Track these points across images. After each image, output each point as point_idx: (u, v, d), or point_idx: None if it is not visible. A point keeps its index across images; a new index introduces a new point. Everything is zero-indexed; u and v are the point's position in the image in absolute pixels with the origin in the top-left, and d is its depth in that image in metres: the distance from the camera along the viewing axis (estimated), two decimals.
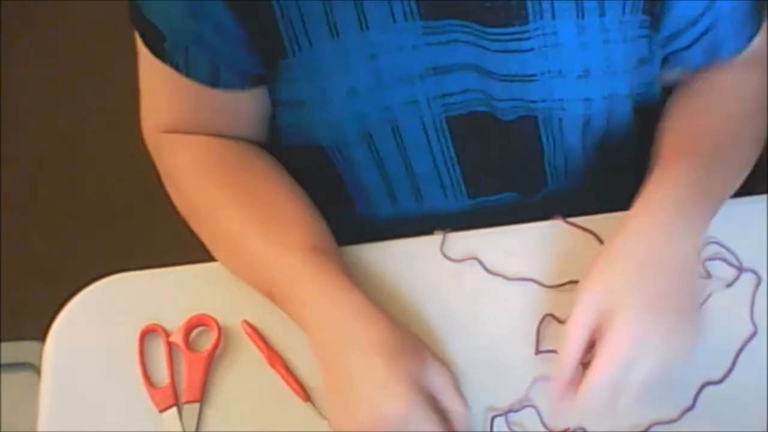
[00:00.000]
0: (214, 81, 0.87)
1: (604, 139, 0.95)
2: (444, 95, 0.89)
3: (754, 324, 0.85)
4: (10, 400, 1.54)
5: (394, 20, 0.83)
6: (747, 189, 0.89)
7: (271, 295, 0.85)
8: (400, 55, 0.85)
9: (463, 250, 0.91)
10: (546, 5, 0.82)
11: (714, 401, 0.82)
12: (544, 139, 0.94)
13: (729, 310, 0.86)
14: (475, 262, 0.90)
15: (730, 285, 0.87)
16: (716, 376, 0.83)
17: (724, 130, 0.88)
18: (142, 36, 0.86)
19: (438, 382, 0.79)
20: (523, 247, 0.91)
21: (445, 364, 0.82)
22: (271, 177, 0.91)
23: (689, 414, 0.82)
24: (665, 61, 0.93)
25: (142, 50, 0.87)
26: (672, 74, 0.95)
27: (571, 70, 0.87)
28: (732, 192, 0.87)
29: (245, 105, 0.91)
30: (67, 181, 1.95)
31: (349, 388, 0.77)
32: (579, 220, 0.91)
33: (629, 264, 0.78)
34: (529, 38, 0.84)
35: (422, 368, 0.78)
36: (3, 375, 1.57)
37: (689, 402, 0.82)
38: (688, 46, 0.90)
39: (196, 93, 0.88)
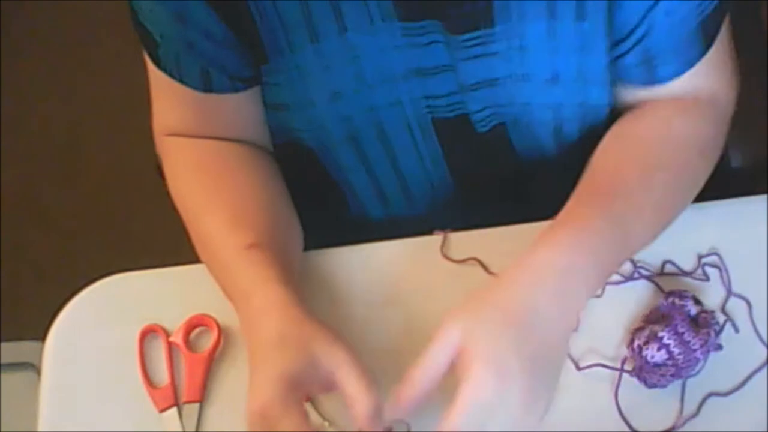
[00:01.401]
0: (206, 86, 0.87)
1: (581, 144, 0.94)
2: (428, 96, 0.89)
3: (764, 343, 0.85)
4: (10, 400, 1.54)
5: (372, 22, 0.82)
6: (747, 189, 0.89)
7: (227, 289, 0.84)
8: (382, 56, 0.85)
9: (464, 251, 0.91)
10: (514, 6, 0.81)
11: (718, 411, 0.82)
12: (516, 147, 0.94)
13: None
14: (475, 262, 0.90)
15: (722, 308, 0.87)
16: (722, 388, 0.83)
17: (649, 181, 0.83)
18: (142, 41, 0.86)
19: (328, 367, 0.74)
20: (524, 247, 0.91)
21: (346, 355, 0.75)
22: (248, 178, 0.90)
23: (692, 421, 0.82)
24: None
25: (146, 58, 0.88)
26: (621, 95, 0.91)
27: (537, 75, 0.86)
28: (649, 240, 0.83)
29: (241, 107, 0.91)
30: (67, 181, 1.95)
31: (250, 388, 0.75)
32: None
33: (508, 314, 0.72)
34: (494, 41, 0.83)
35: (305, 359, 0.74)
36: (3, 375, 1.57)
37: (693, 409, 0.83)
38: (625, 53, 0.86)
39: (192, 98, 0.88)
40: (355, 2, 0.81)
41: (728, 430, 0.81)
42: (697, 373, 0.83)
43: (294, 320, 0.76)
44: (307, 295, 0.89)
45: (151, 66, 0.88)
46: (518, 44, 0.84)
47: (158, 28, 0.84)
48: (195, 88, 0.87)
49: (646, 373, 0.82)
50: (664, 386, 0.82)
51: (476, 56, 0.84)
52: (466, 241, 0.91)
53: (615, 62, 0.87)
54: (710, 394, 0.82)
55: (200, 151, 0.91)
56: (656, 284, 0.87)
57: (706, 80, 0.89)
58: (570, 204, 0.81)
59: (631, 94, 0.90)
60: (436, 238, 0.91)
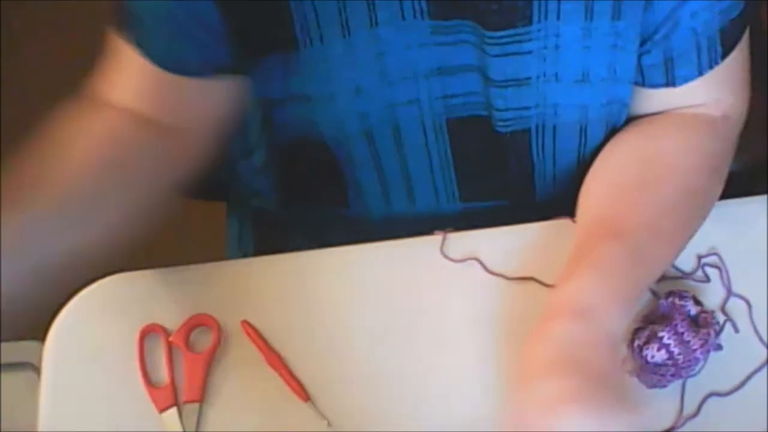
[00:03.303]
0: (175, 65, 0.85)
1: (600, 149, 0.94)
2: (446, 96, 0.89)
3: (765, 344, 0.85)
4: (10, 400, 1.54)
5: (404, 18, 0.82)
6: (747, 189, 0.89)
7: None
8: (407, 53, 0.85)
9: (464, 250, 0.91)
10: (552, 6, 0.81)
11: (718, 411, 0.82)
12: (535, 154, 0.94)
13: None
14: (475, 262, 0.90)
15: (722, 308, 0.87)
16: (722, 388, 0.83)
17: (666, 205, 0.83)
18: (119, 15, 0.85)
19: None
20: (524, 247, 0.91)
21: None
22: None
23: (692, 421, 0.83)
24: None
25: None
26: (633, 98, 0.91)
27: (567, 75, 0.86)
28: (668, 264, 0.84)
29: (197, 94, 0.88)
30: None
31: None
32: None
33: (555, 374, 0.72)
34: (530, 40, 0.83)
35: None
36: (3, 375, 1.57)
37: (693, 409, 0.83)
38: (647, 53, 0.86)
39: (150, 73, 0.86)
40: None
41: (728, 430, 0.81)
42: (697, 373, 0.83)
43: None
44: (308, 295, 0.89)
45: (118, 42, 0.86)
46: (554, 43, 0.83)
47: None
48: (160, 64, 0.85)
49: (646, 373, 0.82)
50: (664, 386, 0.82)
51: (509, 54, 0.84)
52: (465, 241, 0.91)
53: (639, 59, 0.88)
54: (710, 394, 0.82)
55: (111, 127, 0.88)
56: (652, 291, 0.87)
57: (720, 91, 0.89)
58: (584, 238, 0.81)
59: (644, 97, 0.90)
60: (435, 238, 0.91)
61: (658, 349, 0.80)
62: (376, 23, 0.82)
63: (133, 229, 0.83)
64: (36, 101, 2.04)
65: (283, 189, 1.05)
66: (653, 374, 0.81)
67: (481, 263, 0.90)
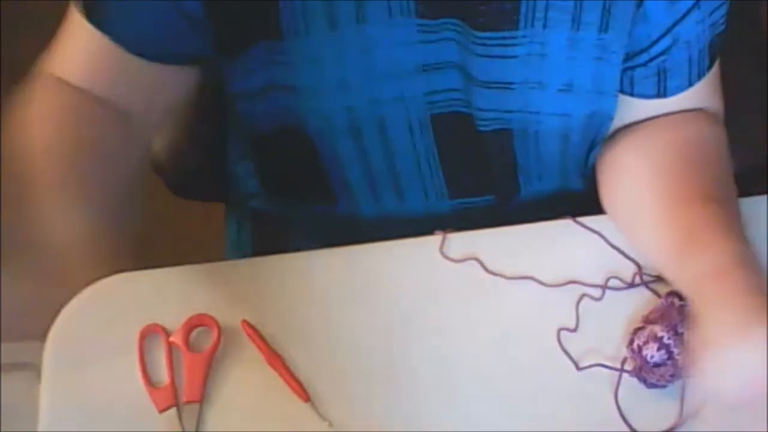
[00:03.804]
0: (141, 48, 0.85)
1: (585, 153, 0.95)
2: (429, 92, 0.89)
3: None
4: (10, 400, 1.54)
5: (391, 15, 0.83)
6: (747, 189, 0.89)
7: None
8: (394, 51, 0.85)
9: (463, 250, 0.91)
10: (539, 14, 0.82)
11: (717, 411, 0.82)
12: (518, 152, 0.94)
13: None
14: (474, 262, 0.90)
15: None
16: None
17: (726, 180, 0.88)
18: None
19: None
20: (524, 247, 0.91)
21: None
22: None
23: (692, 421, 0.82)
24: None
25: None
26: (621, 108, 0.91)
27: (551, 83, 0.86)
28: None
29: (161, 81, 0.89)
30: None
31: None
32: (586, 220, 0.92)
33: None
34: (515, 45, 0.84)
35: None
36: (3, 375, 1.57)
37: (693, 410, 0.82)
38: (641, 65, 0.87)
39: (114, 55, 0.86)
40: None
41: (728, 430, 0.81)
42: None
43: None
44: (308, 295, 0.89)
45: (75, 15, 0.87)
46: (539, 51, 0.84)
47: None
48: (125, 45, 0.84)
49: (645, 373, 0.82)
50: (663, 386, 0.82)
51: (495, 56, 0.85)
52: (465, 241, 0.91)
53: (625, 73, 0.88)
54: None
55: (64, 106, 0.87)
56: (654, 291, 0.88)
57: (707, 98, 0.92)
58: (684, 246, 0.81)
59: (632, 106, 0.91)
60: (435, 238, 0.91)
61: (658, 349, 0.80)
62: (364, 19, 0.83)
63: (119, 220, 0.82)
64: None
65: (268, 182, 1.05)
66: (653, 374, 0.81)
67: (480, 263, 0.90)
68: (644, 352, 0.81)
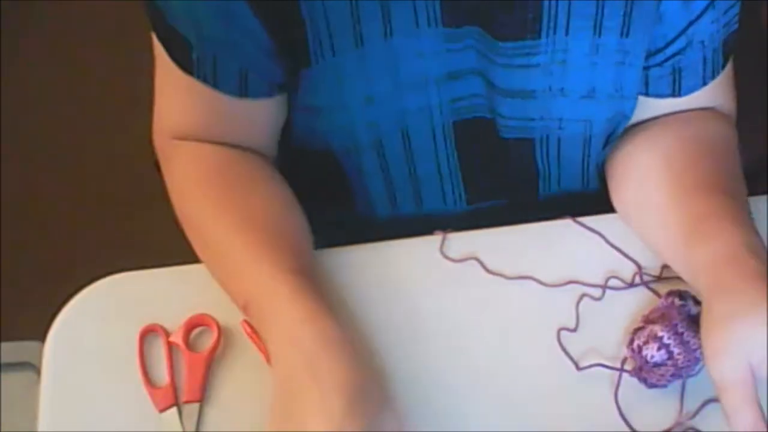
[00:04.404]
0: (242, 90, 0.85)
1: (603, 153, 0.95)
2: (454, 99, 0.89)
3: None
4: (10, 400, 1.54)
5: (418, 26, 0.82)
6: (747, 189, 0.89)
7: (244, 308, 0.83)
8: (420, 61, 0.85)
9: (463, 250, 0.91)
10: (561, 21, 0.81)
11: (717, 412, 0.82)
12: (539, 159, 0.94)
13: None
14: (474, 262, 0.90)
15: None
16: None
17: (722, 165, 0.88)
18: (166, 45, 0.84)
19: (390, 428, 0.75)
20: (523, 247, 0.91)
21: (396, 411, 0.77)
22: (267, 192, 0.89)
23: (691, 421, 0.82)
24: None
25: (161, 55, 0.86)
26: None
27: (574, 90, 0.86)
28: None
29: (263, 114, 0.90)
30: (67, 181, 1.95)
31: (300, 420, 0.73)
32: (586, 220, 0.92)
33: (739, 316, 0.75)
34: (537, 54, 0.83)
35: (379, 414, 0.74)
36: (3, 375, 1.57)
37: (692, 411, 0.83)
38: (656, 65, 0.87)
39: (217, 102, 0.87)
40: (405, 4, 0.80)
41: (728, 430, 0.81)
42: (697, 373, 0.83)
43: (360, 369, 0.75)
44: None
45: (166, 67, 0.86)
46: (561, 58, 0.84)
47: (195, 30, 0.82)
48: (230, 92, 0.85)
49: (646, 373, 0.82)
50: (664, 386, 0.82)
51: (517, 66, 0.84)
52: (465, 241, 0.91)
53: (646, 72, 0.89)
54: (709, 400, 0.82)
55: (210, 158, 0.90)
56: (654, 291, 0.88)
57: (720, 96, 0.92)
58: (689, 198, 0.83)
59: (646, 105, 0.91)
60: (435, 238, 0.91)
61: (658, 349, 0.80)
62: (391, 32, 0.82)
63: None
64: (36, 101, 2.04)
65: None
66: (653, 374, 0.81)
67: (480, 263, 0.90)
68: (644, 352, 0.81)
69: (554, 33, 0.82)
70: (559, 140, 0.91)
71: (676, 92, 0.89)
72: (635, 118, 0.92)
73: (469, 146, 0.93)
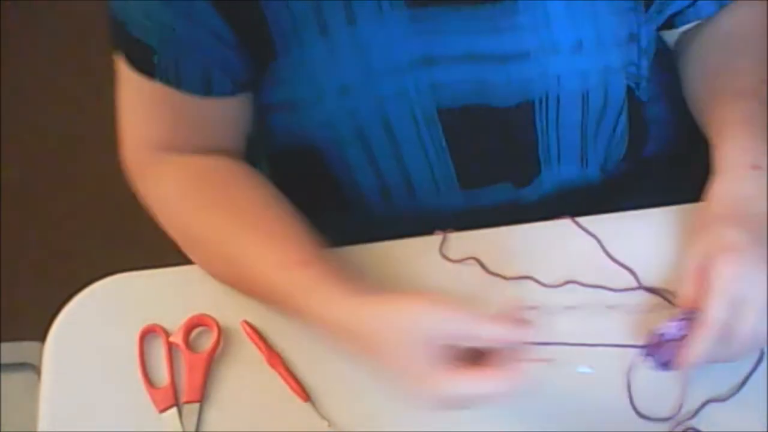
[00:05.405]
0: (206, 89, 0.87)
1: (601, 119, 0.96)
2: (434, 86, 0.89)
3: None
4: (10, 400, 1.54)
5: (381, 10, 0.83)
6: None
7: (278, 307, 0.85)
8: (389, 46, 0.85)
9: (463, 250, 0.91)
10: None
11: (717, 412, 0.83)
12: (539, 126, 0.94)
13: None
14: (474, 262, 0.90)
15: None
16: (720, 394, 0.83)
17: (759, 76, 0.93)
18: (128, 56, 0.86)
19: (447, 329, 0.75)
20: (522, 247, 0.91)
21: (441, 303, 0.76)
22: (257, 194, 0.90)
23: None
24: (670, 23, 0.97)
25: (123, 74, 0.88)
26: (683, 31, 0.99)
27: (564, 44, 0.88)
28: None
29: (229, 114, 0.91)
30: (67, 181, 1.95)
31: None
32: (584, 220, 0.92)
33: (728, 219, 0.82)
34: (517, 13, 0.85)
35: (428, 333, 0.75)
36: (3, 375, 1.57)
37: (692, 412, 0.83)
38: (693, 3, 0.93)
39: (184, 105, 0.88)
40: None
41: (728, 430, 0.81)
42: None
43: (384, 317, 0.77)
44: None
45: (129, 84, 0.88)
46: (543, 15, 0.85)
47: (155, 34, 0.83)
48: (194, 91, 0.86)
49: (659, 350, 0.81)
50: (673, 369, 0.82)
51: (503, 29, 0.86)
52: (465, 241, 0.91)
53: (683, 13, 0.96)
54: (709, 401, 0.82)
55: (190, 170, 0.90)
56: (652, 291, 0.88)
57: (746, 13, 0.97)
58: (724, 136, 0.88)
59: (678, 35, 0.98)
60: (435, 238, 0.91)
61: (674, 325, 0.80)
62: (353, 20, 0.83)
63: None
64: (36, 102, 2.04)
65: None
66: (666, 352, 0.81)
67: (480, 263, 0.90)
68: (659, 329, 0.81)
69: None
70: (558, 99, 0.92)
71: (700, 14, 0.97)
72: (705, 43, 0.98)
73: (458, 133, 0.93)
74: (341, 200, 1.00)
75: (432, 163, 0.95)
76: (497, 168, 0.98)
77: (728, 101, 0.91)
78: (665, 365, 0.82)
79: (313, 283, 0.81)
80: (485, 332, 0.75)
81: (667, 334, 0.81)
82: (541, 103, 0.92)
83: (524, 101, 0.91)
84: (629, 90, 0.95)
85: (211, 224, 0.88)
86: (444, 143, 0.94)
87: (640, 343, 0.83)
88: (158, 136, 0.91)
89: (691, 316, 0.80)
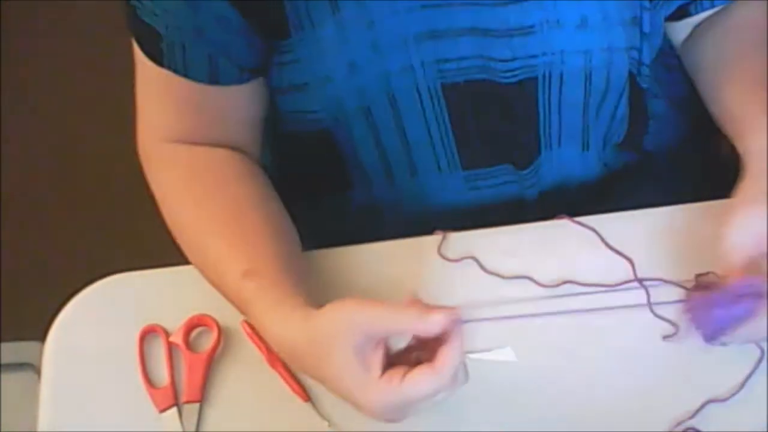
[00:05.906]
0: (213, 77, 0.87)
1: (603, 101, 0.96)
2: (439, 60, 0.89)
3: (759, 347, 0.85)
4: (10, 400, 1.54)
5: None
6: None
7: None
8: (395, 20, 0.85)
9: (461, 250, 0.91)
10: None
11: (717, 413, 0.83)
12: (541, 104, 0.94)
13: None
14: (472, 261, 0.90)
15: None
16: (720, 394, 0.83)
17: None
18: (138, 40, 0.86)
19: (379, 329, 0.75)
20: (521, 246, 0.91)
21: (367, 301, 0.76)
22: (240, 193, 0.90)
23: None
24: (685, 12, 0.98)
25: (139, 59, 0.88)
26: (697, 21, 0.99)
27: (568, 20, 0.88)
28: None
29: (237, 103, 0.91)
30: (67, 181, 1.95)
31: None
32: (583, 219, 0.92)
33: None
34: None
35: (356, 335, 0.74)
36: (3, 375, 1.57)
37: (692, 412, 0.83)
38: None
39: (192, 94, 0.88)
40: None
41: (728, 430, 0.81)
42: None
43: (306, 328, 0.77)
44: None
45: (143, 70, 0.88)
46: None
47: (163, 20, 0.84)
48: (200, 80, 0.87)
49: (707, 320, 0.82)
50: (721, 344, 0.82)
51: (508, 2, 0.86)
52: (463, 241, 0.91)
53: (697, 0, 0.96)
54: (709, 401, 0.83)
55: (190, 164, 0.91)
56: (648, 289, 0.88)
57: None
58: (750, 124, 0.89)
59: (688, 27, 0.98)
60: (434, 238, 0.92)
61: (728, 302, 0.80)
62: None
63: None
64: (36, 101, 2.04)
65: (281, 177, 1.05)
66: (712, 324, 0.82)
67: (478, 262, 0.90)
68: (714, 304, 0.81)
69: None
70: (561, 77, 0.92)
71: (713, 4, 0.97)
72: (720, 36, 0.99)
73: (462, 110, 0.93)
74: (345, 181, 1.00)
75: (434, 138, 0.95)
76: (498, 147, 0.98)
77: (748, 90, 0.91)
78: (713, 336, 0.82)
79: (252, 296, 0.82)
80: (407, 320, 0.74)
81: (721, 309, 0.81)
82: (544, 79, 0.92)
83: (527, 78, 0.91)
84: (631, 75, 0.95)
85: (189, 220, 0.89)
86: (447, 120, 0.93)
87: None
88: (167, 124, 0.91)
89: (747, 291, 0.79)
